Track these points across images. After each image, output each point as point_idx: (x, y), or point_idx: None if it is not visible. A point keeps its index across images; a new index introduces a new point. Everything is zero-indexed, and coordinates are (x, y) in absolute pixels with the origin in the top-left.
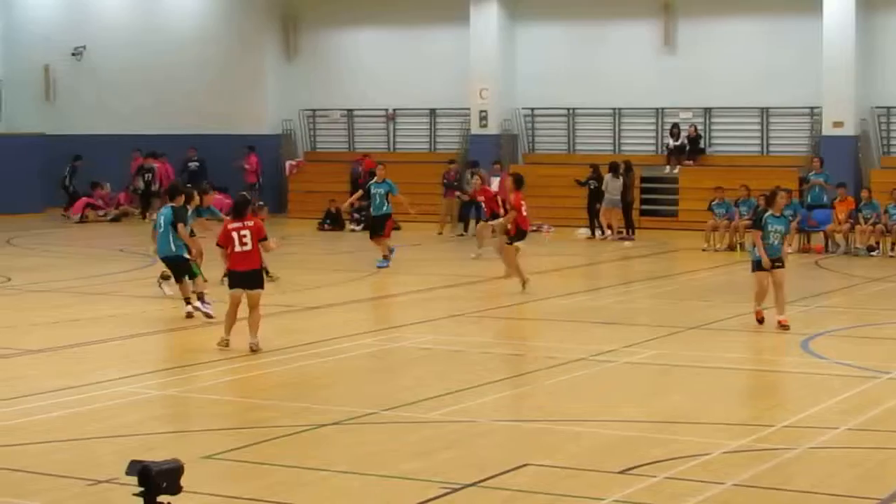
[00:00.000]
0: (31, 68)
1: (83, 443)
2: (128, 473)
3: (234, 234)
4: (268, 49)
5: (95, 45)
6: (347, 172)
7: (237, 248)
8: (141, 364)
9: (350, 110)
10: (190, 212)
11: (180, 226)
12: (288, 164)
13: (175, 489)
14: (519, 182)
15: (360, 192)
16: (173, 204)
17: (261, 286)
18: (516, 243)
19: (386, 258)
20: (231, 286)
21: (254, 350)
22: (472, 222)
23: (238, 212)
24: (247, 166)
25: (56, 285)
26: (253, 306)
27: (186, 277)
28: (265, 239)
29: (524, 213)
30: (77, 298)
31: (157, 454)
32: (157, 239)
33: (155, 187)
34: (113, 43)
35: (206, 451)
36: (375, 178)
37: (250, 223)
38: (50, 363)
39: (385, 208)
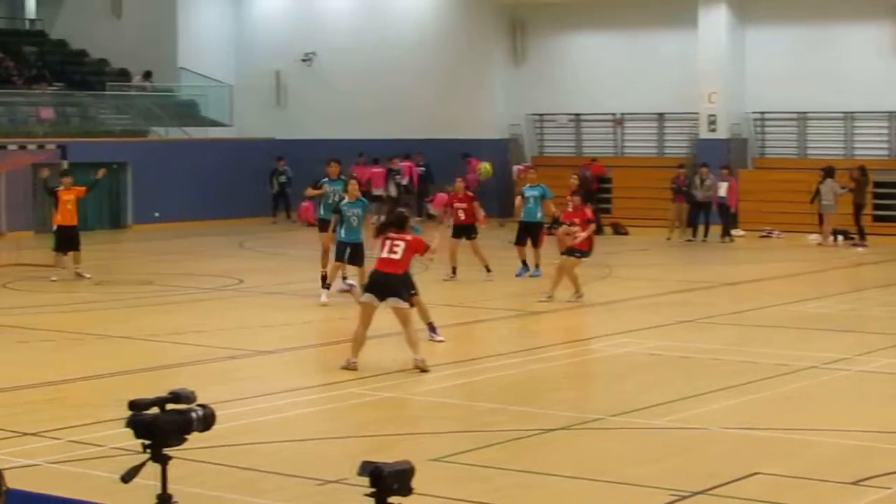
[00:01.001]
0: (262, 74)
1: (313, 443)
2: (359, 474)
3: (388, 242)
4: (495, 54)
5: (325, 51)
6: (574, 177)
7: (384, 255)
8: (370, 366)
9: (577, 114)
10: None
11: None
12: (515, 168)
13: (406, 491)
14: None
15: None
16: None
17: (402, 297)
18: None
19: (526, 266)
20: (367, 289)
21: (422, 370)
22: (702, 228)
23: (399, 225)
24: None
25: (287, 288)
26: (404, 322)
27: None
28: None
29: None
30: (307, 301)
31: (385, 455)
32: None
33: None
34: (342, 48)
35: (434, 453)
36: (528, 182)
37: (408, 237)
38: (281, 364)
39: (539, 215)
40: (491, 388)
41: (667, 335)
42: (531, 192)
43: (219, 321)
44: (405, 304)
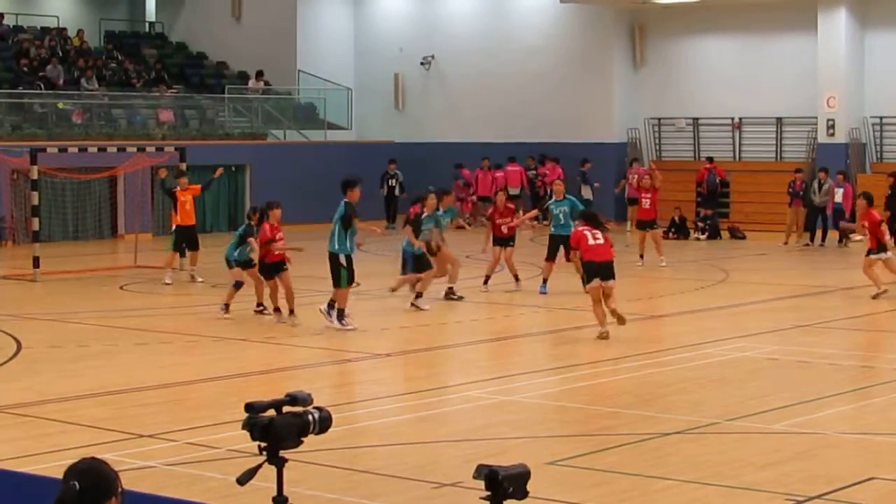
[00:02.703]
0: (381, 77)
1: (429, 446)
2: (475, 477)
3: (588, 233)
4: (615, 58)
5: (444, 54)
6: (693, 181)
7: (590, 242)
8: (487, 370)
9: (696, 118)
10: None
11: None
12: (637, 172)
13: (522, 494)
14: (869, 199)
15: (536, 210)
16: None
17: (613, 277)
18: (873, 256)
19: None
20: (589, 278)
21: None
22: (819, 232)
23: (595, 223)
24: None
25: (404, 290)
26: (607, 295)
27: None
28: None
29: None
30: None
31: (501, 459)
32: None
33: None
34: (461, 52)
35: (550, 456)
36: (555, 197)
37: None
38: (397, 367)
39: (570, 228)
40: (608, 392)
41: (785, 339)
42: (560, 208)
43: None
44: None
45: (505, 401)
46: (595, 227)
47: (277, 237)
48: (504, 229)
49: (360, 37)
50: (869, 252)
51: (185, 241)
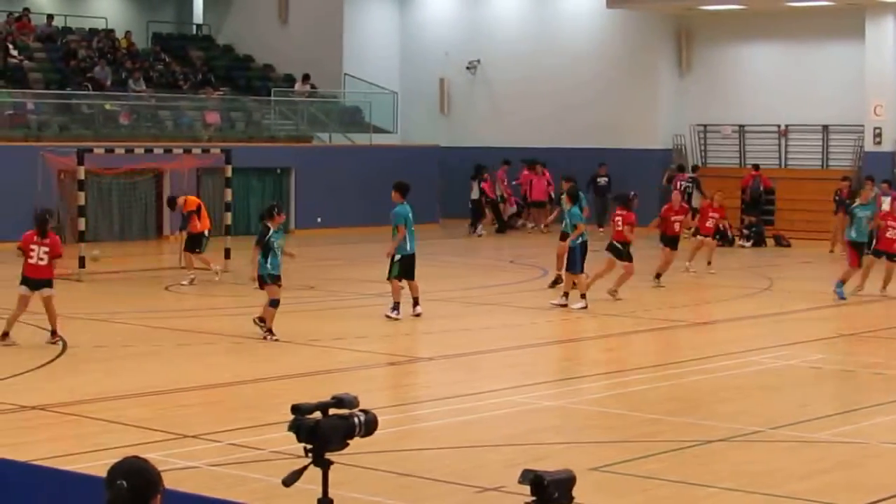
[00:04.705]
0: (427, 81)
1: (472, 450)
2: (520, 482)
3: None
4: (661, 64)
5: (489, 59)
6: (737, 188)
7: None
8: (530, 374)
9: (741, 125)
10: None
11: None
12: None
13: (567, 500)
14: None
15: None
16: None
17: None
18: None
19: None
20: None
21: None
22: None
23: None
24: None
25: (447, 295)
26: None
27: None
28: None
29: None
30: (468, 308)
31: (545, 464)
32: None
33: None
34: (506, 57)
35: (593, 462)
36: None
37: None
38: (441, 371)
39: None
40: (651, 399)
41: (829, 348)
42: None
43: (380, 327)
44: None
45: (546, 406)
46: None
47: None
48: (676, 227)
49: (406, 40)
50: None
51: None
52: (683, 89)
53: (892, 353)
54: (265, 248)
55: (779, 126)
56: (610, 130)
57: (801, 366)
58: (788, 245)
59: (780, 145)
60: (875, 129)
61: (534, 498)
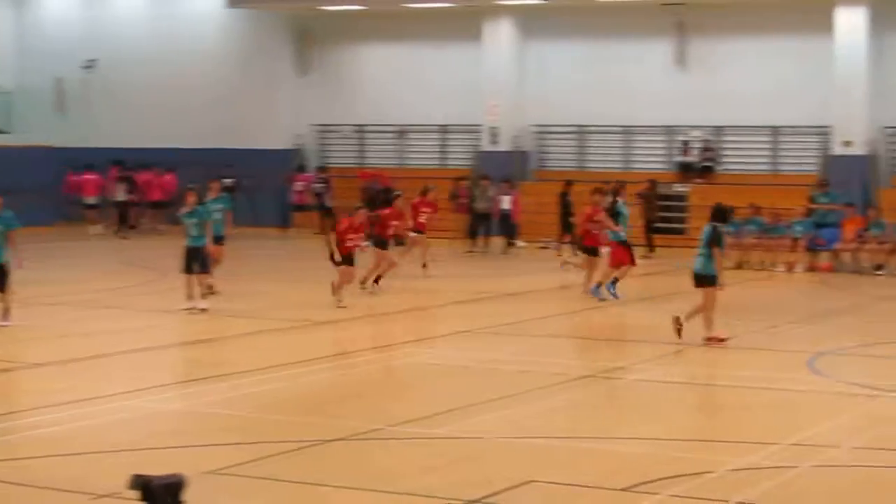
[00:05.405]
0: (44, 80)
1: (87, 457)
2: (129, 487)
3: None
4: (281, 64)
5: (110, 60)
6: (358, 188)
7: None
8: (150, 378)
9: (361, 125)
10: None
11: None
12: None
13: (177, 503)
14: None
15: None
16: None
17: None
18: None
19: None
20: None
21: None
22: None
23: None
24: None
25: (64, 298)
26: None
27: None
28: None
29: None
30: (87, 312)
31: (162, 469)
32: None
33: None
34: (127, 57)
35: (210, 465)
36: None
37: None
38: (55, 377)
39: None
40: (275, 399)
41: (449, 344)
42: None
43: None
44: None
45: (165, 410)
46: None
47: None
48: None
49: (23, 38)
50: None
51: None
52: (304, 89)
53: (509, 349)
54: None
55: (398, 126)
56: (233, 131)
57: (422, 363)
58: (403, 244)
59: (399, 145)
60: (492, 128)
61: (144, 503)
